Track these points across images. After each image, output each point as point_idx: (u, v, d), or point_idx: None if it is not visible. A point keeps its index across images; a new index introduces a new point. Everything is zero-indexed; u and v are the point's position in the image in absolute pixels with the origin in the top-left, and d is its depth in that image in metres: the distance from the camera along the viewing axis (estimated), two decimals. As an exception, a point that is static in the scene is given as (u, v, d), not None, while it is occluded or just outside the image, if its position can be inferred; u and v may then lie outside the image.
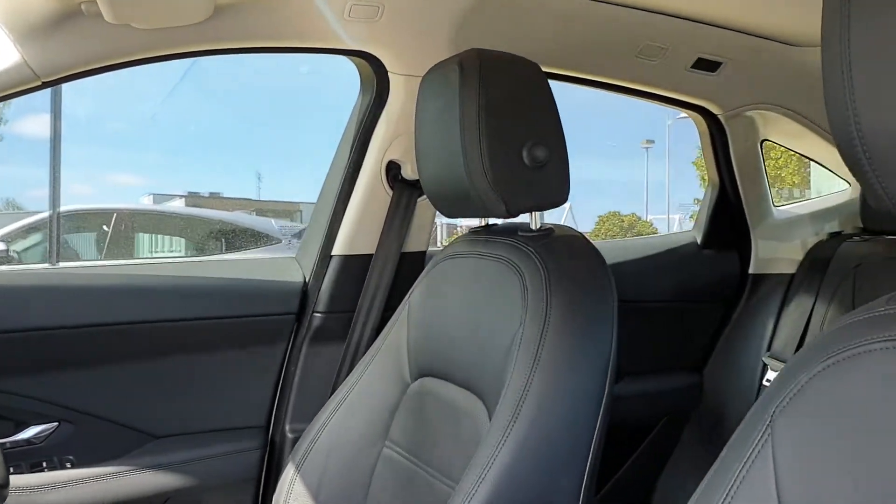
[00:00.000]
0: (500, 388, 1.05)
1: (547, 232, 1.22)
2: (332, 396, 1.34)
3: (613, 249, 2.01)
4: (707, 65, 1.76)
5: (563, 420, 1.03)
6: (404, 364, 1.31)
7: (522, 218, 1.24)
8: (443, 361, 1.23)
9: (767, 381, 1.98)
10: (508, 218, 1.22)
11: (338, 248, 1.63)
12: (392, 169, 1.62)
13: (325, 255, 1.64)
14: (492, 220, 1.35)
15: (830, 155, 2.10)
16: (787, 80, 1.89)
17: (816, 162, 2.17)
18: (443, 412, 1.21)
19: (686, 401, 2.09)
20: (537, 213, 1.23)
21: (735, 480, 0.58)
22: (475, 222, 1.36)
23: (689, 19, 1.64)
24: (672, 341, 2.06)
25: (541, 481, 1.01)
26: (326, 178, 1.71)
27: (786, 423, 0.57)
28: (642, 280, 1.99)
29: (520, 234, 1.22)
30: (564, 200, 1.24)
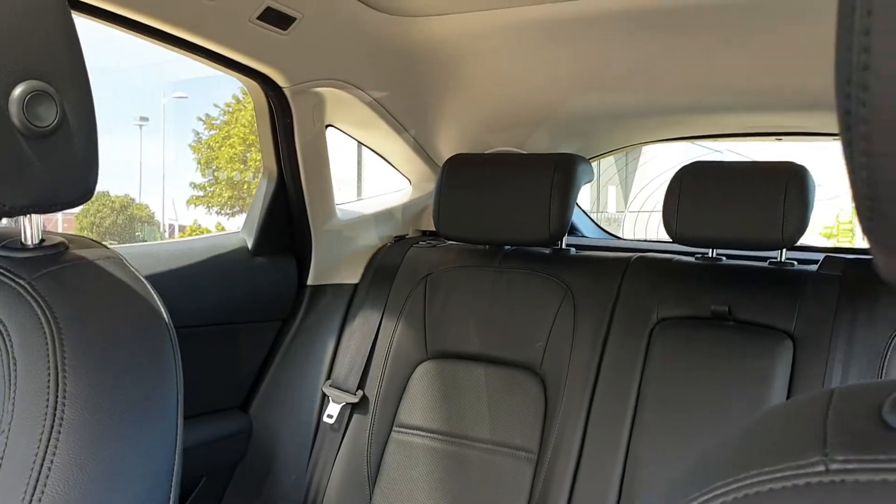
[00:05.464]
0: None
1: (55, 250, 0.70)
2: None
3: (142, 257, 1.46)
4: (278, 18, 1.33)
5: None
6: None
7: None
8: None
9: (329, 416, 1.66)
10: None
11: None
12: None
13: None
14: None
15: (397, 148, 1.86)
16: (366, 53, 1.56)
17: (380, 155, 1.91)
18: None
19: (231, 452, 1.63)
20: (37, 219, 0.70)
21: None
22: None
23: None
24: (215, 375, 1.59)
25: None
26: None
27: None
28: (181, 296, 1.47)
29: None
30: (88, 196, 0.71)
